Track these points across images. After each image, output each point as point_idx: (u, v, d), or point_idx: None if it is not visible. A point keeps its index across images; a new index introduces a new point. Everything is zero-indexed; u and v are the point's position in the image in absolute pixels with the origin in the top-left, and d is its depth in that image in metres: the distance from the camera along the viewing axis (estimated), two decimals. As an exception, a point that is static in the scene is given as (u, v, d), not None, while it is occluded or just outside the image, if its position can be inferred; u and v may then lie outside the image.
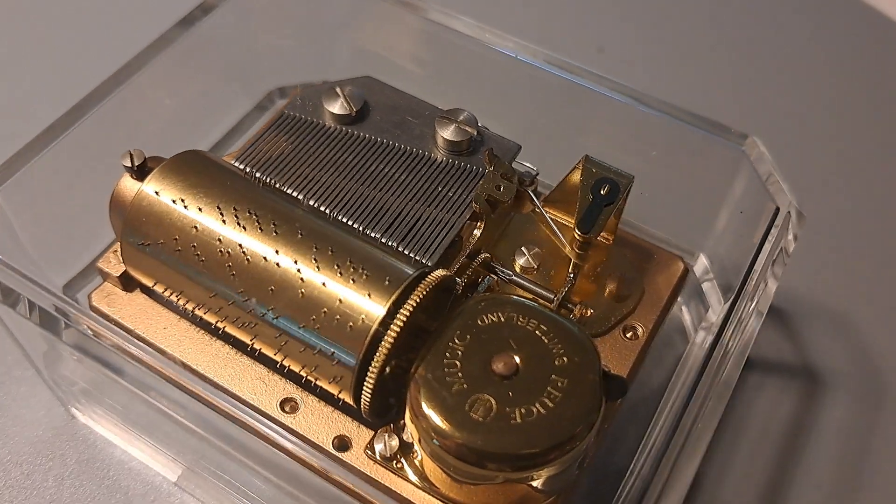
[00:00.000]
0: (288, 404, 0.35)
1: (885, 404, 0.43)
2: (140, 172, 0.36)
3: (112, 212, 0.37)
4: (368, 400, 0.32)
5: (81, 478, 0.40)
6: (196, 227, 0.34)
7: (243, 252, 0.33)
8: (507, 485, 0.32)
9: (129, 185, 0.36)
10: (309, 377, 0.34)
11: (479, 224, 0.37)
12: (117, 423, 0.40)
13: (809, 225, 0.36)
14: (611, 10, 0.59)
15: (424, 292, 0.32)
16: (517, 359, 0.31)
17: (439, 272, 0.34)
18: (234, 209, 0.34)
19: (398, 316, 0.32)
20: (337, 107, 0.40)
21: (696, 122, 0.39)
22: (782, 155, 0.38)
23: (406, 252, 0.36)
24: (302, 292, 0.33)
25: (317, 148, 0.39)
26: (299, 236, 0.34)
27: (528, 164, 0.43)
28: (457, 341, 0.32)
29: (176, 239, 0.34)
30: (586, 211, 0.35)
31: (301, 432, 0.34)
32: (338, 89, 0.40)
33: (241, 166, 0.38)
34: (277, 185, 0.37)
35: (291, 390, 0.35)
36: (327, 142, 0.39)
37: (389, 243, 0.36)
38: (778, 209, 0.36)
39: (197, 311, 0.35)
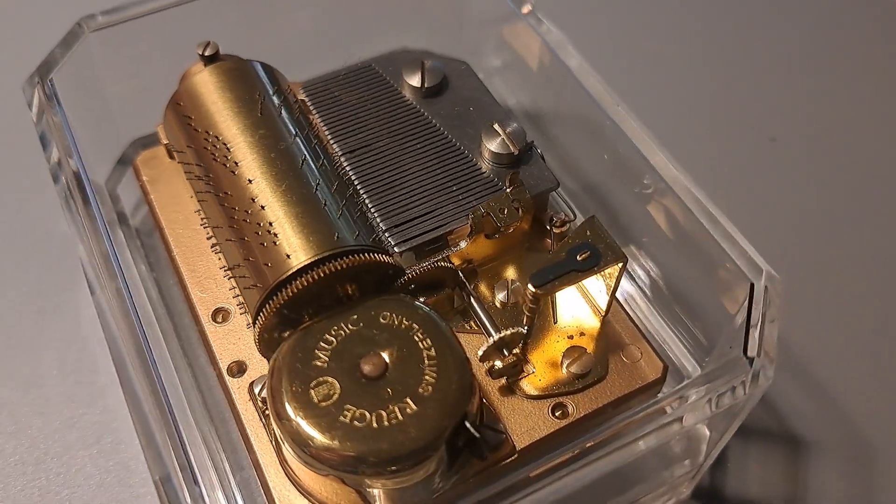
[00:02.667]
0: (220, 314, 0.37)
1: (876, 467, 0.39)
2: (208, 61, 0.39)
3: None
4: (258, 331, 0.33)
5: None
6: (207, 135, 0.36)
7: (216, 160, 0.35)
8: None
9: (193, 70, 0.39)
10: (238, 287, 0.35)
11: (470, 237, 0.36)
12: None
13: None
14: (785, 98, 0.53)
15: (353, 262, 0.32)
16: (386, 365, 0.31)
17: (384, 257, 0.34)
18: (223, 136, 0.36)
19: (316, 269, 0.32)
20: (414, 78, 0.40)
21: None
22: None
23: (384, 230, 0.36)
24: (260, 223, 0.34)
25: (372, 107, 0.40)
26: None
27: (572, 208, 0.41)
28: (346, 327, 0.32)
29: (195, 129, 0.37)
30: (548, 267, 0.33)
31: (211, 342, 0.36)
32: (425, 62, 0.41)
33: (302, 93, 0.40)
34: (321, 124, 0.39)
35: (231, 301, 0.37)
36: (385, 105, 0.40)
37: (376, 217, 0.36)
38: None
39: (195, 195, 0.37)
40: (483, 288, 0.37)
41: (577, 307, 0.37)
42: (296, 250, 0.32)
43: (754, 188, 0.49)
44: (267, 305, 0.32)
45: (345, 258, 0.32)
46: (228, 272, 0.35)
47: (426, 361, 0.31)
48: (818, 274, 0.46)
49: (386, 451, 0.29)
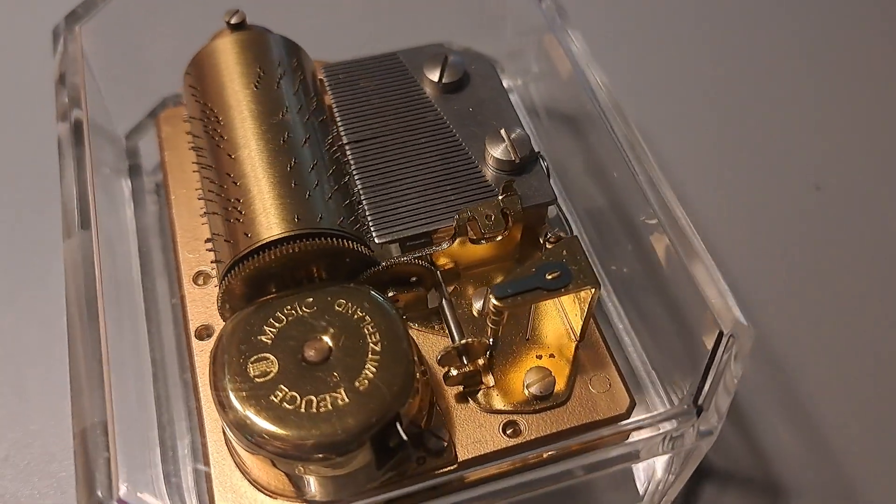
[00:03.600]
0: (202, 276, 0.37)
1: None
2: (234, 30, 0.39)
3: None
4: (221, 293, 0.33)
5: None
6: (205, 106, 0.37)
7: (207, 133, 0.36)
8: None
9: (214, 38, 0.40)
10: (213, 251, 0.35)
11: (453, 239, 0.36)
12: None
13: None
14: (832, 145, 0.50)
15: (308, 245, 0.32)
16: (329, 353, 0.30)
17: (353, 244, 0.33)
18: (217, 108, 0.36)
19: (269, 250, 0.32)
20: (434, 72, 0.40)
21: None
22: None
23: (370, 219, 0.35)
24: (230, 198, 0.34)
25: (387, 96, 0.39)
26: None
27: (571, 226, 0.40)
28: (299, 308, 0.32)
29: (197, 100, 0.37)
30: (514, 281, 0.32)
31: (187, 304, 0.37)
32: (448, 57, 0.40)
33: (322, 73, 0.40)
34: (334, 106, 0.39)
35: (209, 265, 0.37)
36: (400, 96, 0.39)
37: (364, 205, 0.36)
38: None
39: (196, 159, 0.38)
40: (469, 293, 0.37)
41: (554, 327, 0.36)
42: (254, 229, 0.32)
43: (797, 237, 0.47)
44: (225, 283, 0.32)
45: (298, 241, 0.32)
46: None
47: (370, 356, 0.31)
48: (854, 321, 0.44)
49: (306, 438, 0.29)
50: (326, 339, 0.31)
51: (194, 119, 0.37)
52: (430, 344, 0.36)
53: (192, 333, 0.36)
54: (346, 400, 0.30)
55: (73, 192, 0.33)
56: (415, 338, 0.35)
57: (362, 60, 0.41)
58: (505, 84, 0.46)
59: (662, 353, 0.36)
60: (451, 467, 0.33)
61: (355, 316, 0.31)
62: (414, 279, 0.35)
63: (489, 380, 0.34)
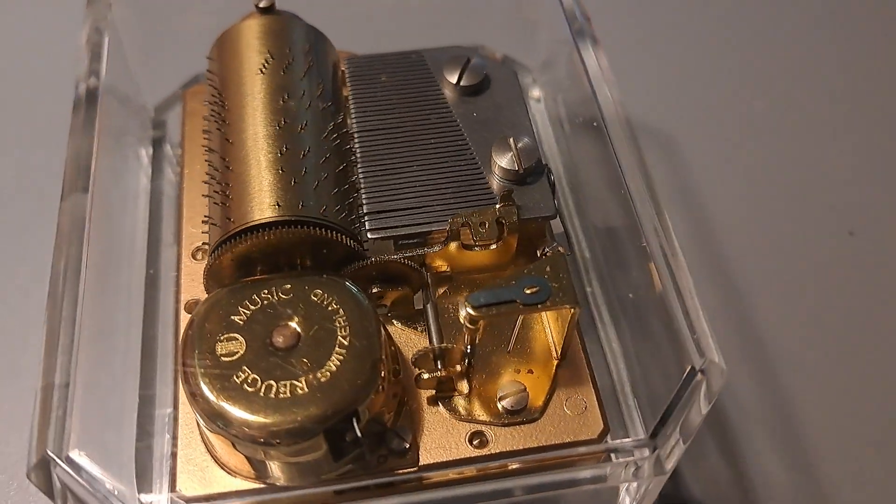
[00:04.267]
0: (201, 252, 0.38)
1: None
2: (262, 13, 0.40)
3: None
4: (205, 272, 0.34)
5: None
6: (215, 90, 0.37)
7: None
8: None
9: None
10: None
11: (444, 243, 0.35)
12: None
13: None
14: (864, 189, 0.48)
15: (298, 233, 0.32)
16: (297, 340, 0.31)
17: (342, 237, 0.33)
18: (223, 94, 0.37)
19: (262, 231, 0.32)
20: (453, 74, 0.40)
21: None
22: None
23: (364, 214, 0.35)
24: (221, 182, 0.35)
25: (404, 93, 0.39)
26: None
27: (573, 243, 0.40)
28: (276, 294, 0.32)
29: (211, 85, 0.38)
30: (490, 291, 0.31)
31: (181, 277, 0.37)
32: (471, 59, 0.40)
33: (344, 64, 0.40)
34: (350, 97, 0.39)
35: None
36: (416, 95, 0.39)
37: (362, 199, 0.36)
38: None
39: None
40: (460, 297, 0.36)
41: (538, 343, 0.35)
42: (236, 214, 0.33)
43: (829, 282, 0.46)
44: (208, 263, 0.33)
45: (274, 229, 0.32)
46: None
47: (337, 349, 0.31)
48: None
49: (260, 422, 0.29)
50: (296, 326, 0.31)
51: (208, 101, 0.37)
52: (413, 344, 0.35)
53: (182, 306, 0.36)
54: (305, 389, 0.30)
55: (79, 153, 0.34)
56: (397, 336, 0.35)
57: (386, 56, 0.41)
58: (536, 93, 0.46)
59: (645, 379, 0.35)
60: (412, 469, 0.32)
61: (329, 308, 0.31)
62: (399, 278, 0.35)
63: (463, 387, 0.34)
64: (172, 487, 0.32)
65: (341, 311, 0.31)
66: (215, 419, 0.30)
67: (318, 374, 0.30)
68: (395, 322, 0.36)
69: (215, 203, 0.33)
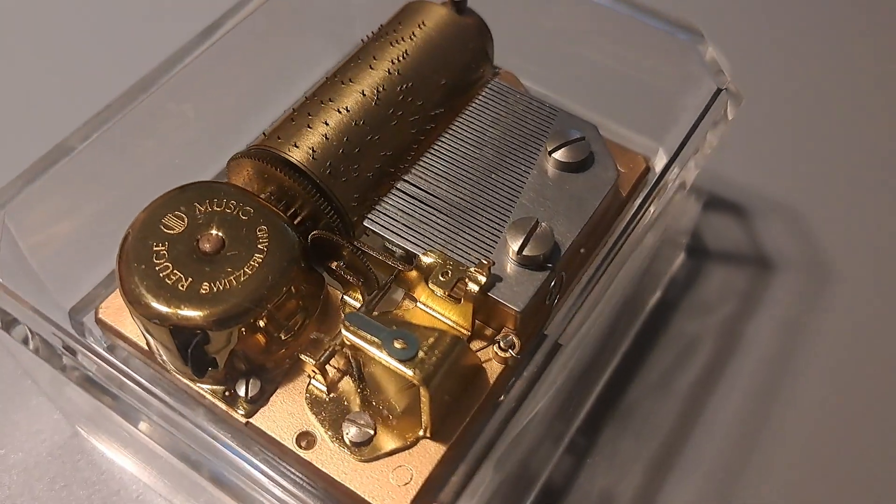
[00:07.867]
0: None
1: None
2: (454, 6, 0.41)
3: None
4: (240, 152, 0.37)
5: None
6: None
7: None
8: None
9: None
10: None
11: (408, 269, 0.36)
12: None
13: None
14: None
15: (263, 167, 0.36)
16: (220, 242, 0.34)
17: (316, 197, 0.36)
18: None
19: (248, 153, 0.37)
20: (556, 142, 0.38)
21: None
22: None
23: (377, 202, 0.37)
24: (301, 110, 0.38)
25: (508, 134, 0.40)
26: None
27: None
28: (218, 205, 0.35)
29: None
30: (370, 321, 0.31)
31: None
32: (584, 139, 0.38)
33: (490, 83, 0.41)
34: (465, 111, 0.40)
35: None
36: (516, 141, 0.39)
37: (386, 195, 0.37)
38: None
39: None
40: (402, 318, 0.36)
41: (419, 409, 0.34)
42: (280, 133, 0.37)
43: None
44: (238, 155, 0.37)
45: (255, 154, 0.36)
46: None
47: (244, 270, 0.33)
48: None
49: (147, 306, 0.33)
50: (221, 236, 0.34)
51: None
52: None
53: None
54: (199, 295, 0.33)
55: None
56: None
57: (526, 96, 0.41)
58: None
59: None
60: (239, 418, 0.34)
61: (258, 231, 0.34)
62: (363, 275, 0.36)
63: (326, 384, 0.35)
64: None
65: (269, 241, 0.34)
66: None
67: (215, 285, 0.33)
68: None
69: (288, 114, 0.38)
